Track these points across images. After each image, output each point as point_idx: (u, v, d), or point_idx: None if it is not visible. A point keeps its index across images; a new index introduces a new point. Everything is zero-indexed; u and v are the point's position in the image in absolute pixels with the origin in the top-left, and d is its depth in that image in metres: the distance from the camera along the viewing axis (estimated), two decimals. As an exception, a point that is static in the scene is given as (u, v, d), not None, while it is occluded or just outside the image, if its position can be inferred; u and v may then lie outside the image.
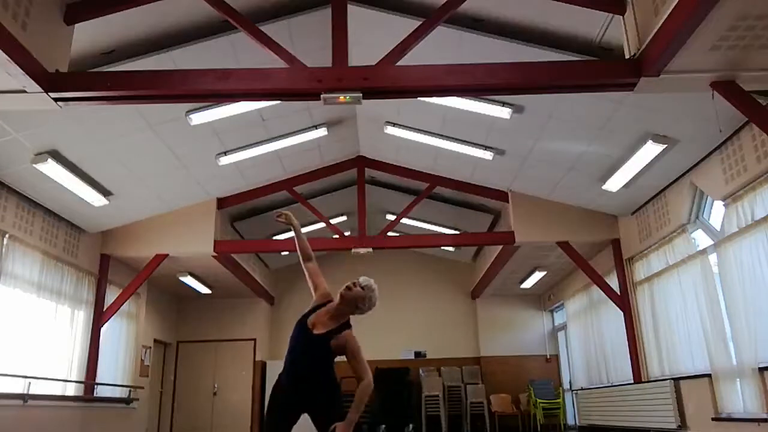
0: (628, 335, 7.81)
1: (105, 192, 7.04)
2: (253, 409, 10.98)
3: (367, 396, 2.87)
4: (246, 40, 4.82)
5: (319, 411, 3.00)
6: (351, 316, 3.08)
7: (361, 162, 8.81)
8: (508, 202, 8.45)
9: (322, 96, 4.33)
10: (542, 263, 9.79)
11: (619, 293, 8.06)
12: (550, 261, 9.60)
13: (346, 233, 10.49)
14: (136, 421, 8.67)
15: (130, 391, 8.46)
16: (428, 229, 10.73)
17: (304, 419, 3.07)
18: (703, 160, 6.10)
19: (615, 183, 7.00)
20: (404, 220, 9.66)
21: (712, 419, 5.90)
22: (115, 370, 8.35)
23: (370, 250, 8.41)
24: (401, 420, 10.67)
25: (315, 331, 2.98)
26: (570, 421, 10.57)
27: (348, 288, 3.00)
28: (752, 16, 3.61)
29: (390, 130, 7.47)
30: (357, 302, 3.00)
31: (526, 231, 8.21)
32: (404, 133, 7.48)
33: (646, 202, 7.45)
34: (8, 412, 5.60)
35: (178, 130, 6.42)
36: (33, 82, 3.94)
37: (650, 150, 6.06)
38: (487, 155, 7.36)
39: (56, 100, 4.24)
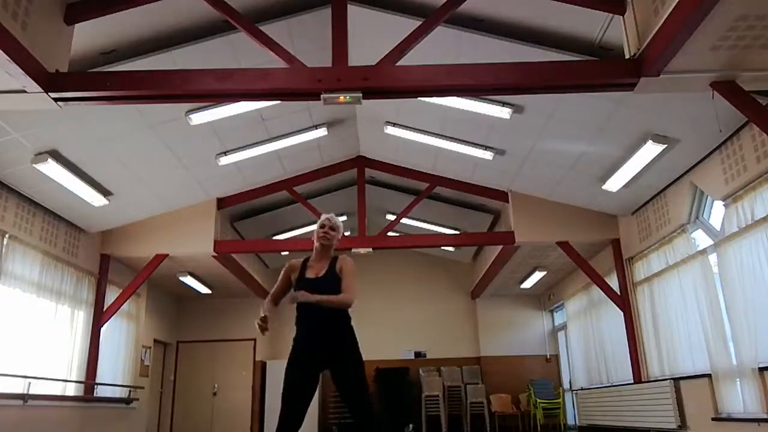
0: (628, 335, 7.81)
1: (105, 192, 7.04)
2: (253, 409, 10.99)
3: (339, 303, 3.12)
4: (246, 40, 4.82)
5: (346, 359, 3.10)
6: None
7: (361, 162, 8.81)
8: (508, 202, 8.45)
9: (322, 96, 4.33)
10: (542, 263, 9.79)
11: (619, 293, 8.05)
12: (550, 261, 9.60)
13: (346, 233, 10.49)
14: (136, 421, 8.67)
15: (130, 391, 8.46)
16: (428, 229, 10.73)
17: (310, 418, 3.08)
18: (703, 160, 6.10)
19: (615, 183, 7.00)
20: (404, 220, 9.66)
21: (712, 419, 5.91)
22: (115, 370, 8.35)
23: (370, 250, 8.41)
24: (401, 420, 10.67)
25: (319, 275, 3.25)
26: (570, 421, 10.57)
27: (326, 237, 3.31)
28: (752, 16, 3.61)
29: (390, 130, 7.47)
30: (335, 241, 3.36)
31: (526, 231, 8.21)
32: (404, 133, 7.48)
33: (646, 202, 7.45)
34: (8, 412, 5.60)
35: (178, 130, 6.41)
36: (33, 82, 3.94)
37: (650, 150, 6.06)
38: (487, 155, 7.36)
39: (56, 100, 4.24)
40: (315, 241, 3.36)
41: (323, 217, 3.41)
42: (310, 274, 3.28)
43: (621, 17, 4.42)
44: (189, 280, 9.89)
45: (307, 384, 3.10)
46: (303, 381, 3.08)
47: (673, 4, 3.63)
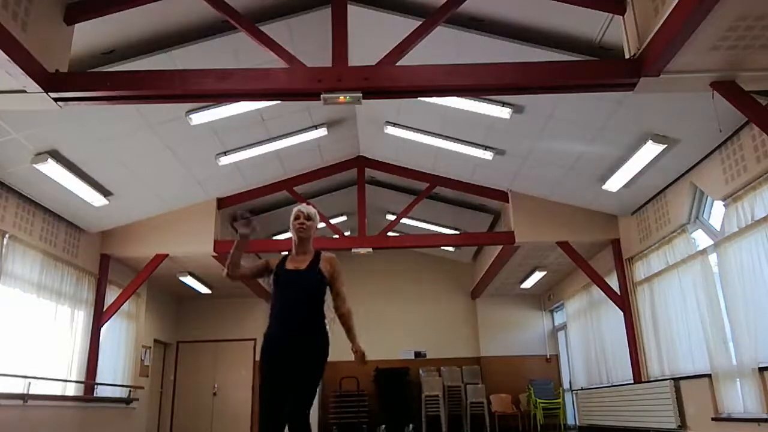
0: (628, 335, 7.81)
1: (105, 192, 7.04)
2: (253, 409, 10.98)
3: (353, 321, 3.18)
4: (246, 40, 4.82)
5: (310, 357, 2.98)
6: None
7: (361, 162, 8.81)
8: (508, 202, 8.44)
9: (322, 96, 4.33)
10: (542, 263, 9.79)
11: (619, 293, 8.05)
12: (550, 261, 9.60)
13: (346, 233, 10.49)
14: (136, 421, 8.67)
15: (130, 391, 8.47)
16: (428, 229, 10.73)
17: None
18: (703, 160, 6.10)
19: (615, 183, 7.00)
20: (404, 220, 9.66)
21: (712, 419, 5.90)
22: (115, 370, 8.35)
23: (370, 250, 8.41)
24: (401, 420, 10.67)
25: (301, 269, 3.15)
26: (570, 421, 10.57)
27: (302, 228, 3.21)
28: (752, 16, 3.61)
29: (390, 130, 7.47)
30: (313, 230, 3.26)
31: (526, 231, 8.21)
32: (404, 133, 7.48)
33: (646, 202, 7.45)
34: (8, 412, 5.60)
35: (178, 130, 6.42)
36: (33, 82, 3.94)
37: (650, 150, 6.06)
38: (487, 155, 7.36)
39: (56, 100, 4.24)
40: (293, 235, 3.26)
41: (296, 208, 3.29)
42: (290, 266, 3.18)
43: (621, 17, 4.42)
44: (189, 280, 9.89)
45: (284, 385, 2.95)
46: (280, 382, 2.95)
47: (673, 4, 3.63)
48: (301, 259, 3.21)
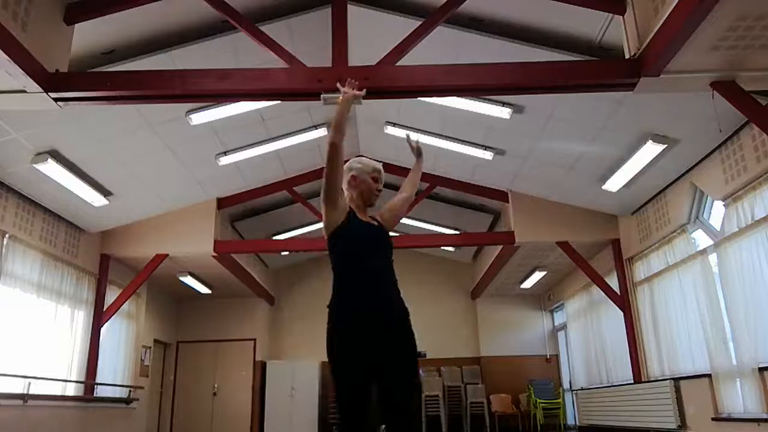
0: (628, 335, 7.81)
1: (105, 192, 7.04)
2: (253, 410, 10.98)
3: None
4: (246, 40, 4.83)
5: (411, 335, 2.45)
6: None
7: (361, 162, 8.79)
8: (508, 202, 8.45)
9: (322, 96, 4.34)
10: (542, 263, 9.79)
11: (619, 293, 8.05)
12: (550, 261, 9.60)
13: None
14: (136, 421, 8.67)
15: (129, 391, 8.47)
16: (428, 229, 10.73)
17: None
18: (703, 160, 6.10)
19: (615, 183, 7.00)
20: (404, 220, 9.66)
21: (712, 419, 5.90)
22: (115, 370, 8.35)
23: (370, 250, 8.40)
24: (401, 420, 10.66)
25: (375, 225, 2.62)
26: (570, 421, 10.57)
27: (379, 190, 2.66)
28: (752, 16, 3.61)
29: (390, 130, 7.47)
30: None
31: (526, 231, 8.21)
32: (404, 133, 7.46)
33: (646, 202, 7.45)
34: (8, 412, 5.60)
35: (178, 130, 6.42)
36: (33, 82, 3.94)
37: (650, 150, 6.07)
38: (487, 155, 7.36)
39: (56, 100, 4.25)
40: (364, 196, 2.61)
41: (374, 163, 2.67)
42: (365, 220, 2.60)
43: (621, 17, 4.43)
44: (189, 280, 9.89)
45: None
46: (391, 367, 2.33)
47: (673, 4, 3.63)
48: (367, 216, 2.65)
